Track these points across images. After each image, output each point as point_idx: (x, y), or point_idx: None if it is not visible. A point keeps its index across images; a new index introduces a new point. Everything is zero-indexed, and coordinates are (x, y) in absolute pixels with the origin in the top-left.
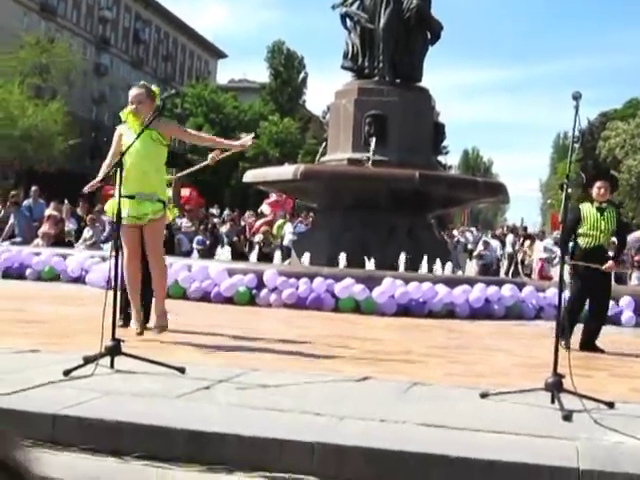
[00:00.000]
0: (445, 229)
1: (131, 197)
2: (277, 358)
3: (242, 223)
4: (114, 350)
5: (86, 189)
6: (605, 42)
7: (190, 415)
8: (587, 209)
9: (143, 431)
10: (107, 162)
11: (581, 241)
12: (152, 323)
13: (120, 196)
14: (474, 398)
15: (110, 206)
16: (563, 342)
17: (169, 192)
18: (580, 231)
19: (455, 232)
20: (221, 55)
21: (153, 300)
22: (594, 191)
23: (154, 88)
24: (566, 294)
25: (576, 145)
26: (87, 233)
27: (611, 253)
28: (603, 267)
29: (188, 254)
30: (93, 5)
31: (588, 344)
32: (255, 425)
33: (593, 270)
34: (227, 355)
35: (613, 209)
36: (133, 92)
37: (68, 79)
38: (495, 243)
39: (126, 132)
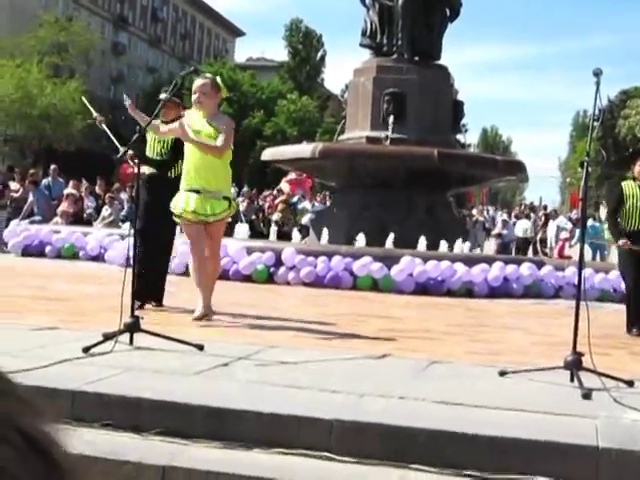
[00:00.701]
0: (464, 208)
1: (196, 192)
2: (295, 336)
3: (260, 202)
4: (133, 327)
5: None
6: (625, 20)
7: (209, 392)
8: (630, 187)
9: (162, 407)
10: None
11: (623, 222)
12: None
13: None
14: (493, 376)
15: (175, 202)
16: (635, 329)
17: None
18: (622, 211)
19: (474, 211)
20: (239, 33)
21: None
22: (636, 169)
23: (219, 80)
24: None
25: (596, 123)
26: (105, 211)
27: None
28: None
29: None
30: None
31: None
32: (273, 402)
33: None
34: (246, 332)
35: None
36: (198, 82)
37: (86, 58)
38: (524, 222)
39: (190, 121)
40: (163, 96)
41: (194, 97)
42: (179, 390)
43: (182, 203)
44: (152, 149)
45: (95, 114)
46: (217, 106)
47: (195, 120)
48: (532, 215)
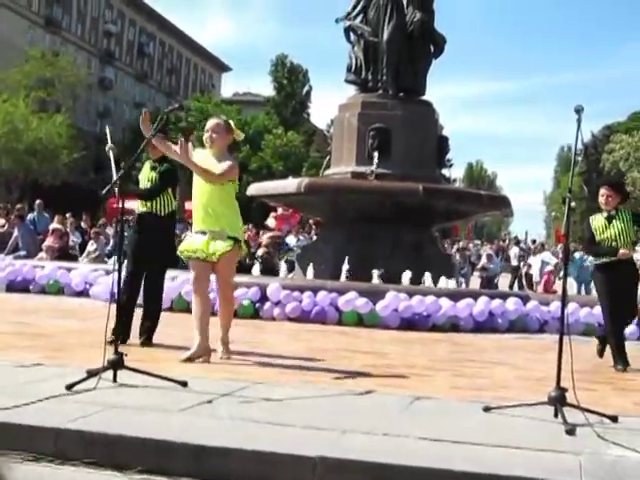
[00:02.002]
0: (453, 243)
1: (203, 233)
2: (280, 372)
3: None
4: (117, 364)
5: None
6: (609, 55)
7: (192, 429)
8: (596, 220)
9: (145, 445)
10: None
11: None
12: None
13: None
14: (477, 412)
15: (184, 245)
16: (619, 366)
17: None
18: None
19: (470, 246)
20: (225, 68)
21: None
22: (599, 200)
23: (232, 123)
24: (581, 310)
25: (579, 158)
26: (91, 246)
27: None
28: (619, 253)
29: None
30: (98, 19)
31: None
32: (257, 440)
33: (615, 274)
34: (230, 369)
35: (625, 213)
36: (212, 122)
37: (73, 93)
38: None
39: (198, 159)
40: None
41: (206, 136)
42: (162, 428)
43: (187, 243)
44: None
45: (110, 144)
46: (227, 148)
47: (204, 159)
48: (515, 248)
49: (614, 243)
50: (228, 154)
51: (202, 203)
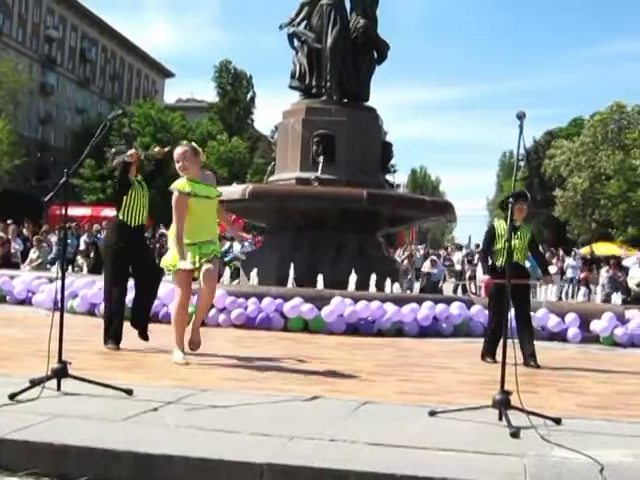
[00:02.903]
0: (397, 248)
1: (194, 244)
2: (226, 378)
3: None
4: (61, 372)
5: None
6: (551, 62)
7: (137, 437)
8: (502, 227)
9: (90, 454)
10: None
11: (495, 259)
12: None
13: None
14: (423, 416)
15: (170, 259)
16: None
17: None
18: (495, 249)
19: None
20: (168, 74)
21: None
22: (515, 212)
23: (195, 145)
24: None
25: (521, 164)
26: (33, 254)
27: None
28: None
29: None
30: (39, 24)
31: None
32: (203, 447)
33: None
34: (176, 376)
35: (527, 229)
36: (178, 151)
37: (14, 98)
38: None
39: (192, 189)
40: (113, 150)
41: (178, 165)
42: (107, 436)
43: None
44: (137, 205)
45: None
46: (200, 168)
47: (197, 188)
48: (458, 253)
49: (514, 252)
50: (204, 173)
51: (203, 220)
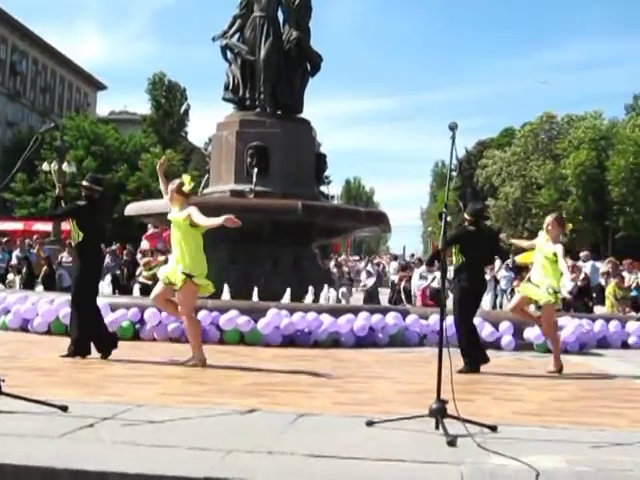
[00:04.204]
0: (331, 259)
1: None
2: (162, 393)
3: (125, 257)
4: None
5: None
6: (482, 73)
7: (73, 454)
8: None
9: (25, 472)
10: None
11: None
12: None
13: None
14: (360, 427)
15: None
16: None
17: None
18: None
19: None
20: (100, 87)
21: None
22: (468, 218)
23: (184, 178)
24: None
25: (454, 174)
26: None
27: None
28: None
29: (69, 290)
30: None
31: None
32: (140, 462)
33: None
34: (111, 391)
35: None
36: (172, 186)
37: None
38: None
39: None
40: (53, 166)
41: (167, 197)
42: (43, 454)
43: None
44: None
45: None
46: (186, 200)
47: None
48: (394, 263)
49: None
50: (188, 205)
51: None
